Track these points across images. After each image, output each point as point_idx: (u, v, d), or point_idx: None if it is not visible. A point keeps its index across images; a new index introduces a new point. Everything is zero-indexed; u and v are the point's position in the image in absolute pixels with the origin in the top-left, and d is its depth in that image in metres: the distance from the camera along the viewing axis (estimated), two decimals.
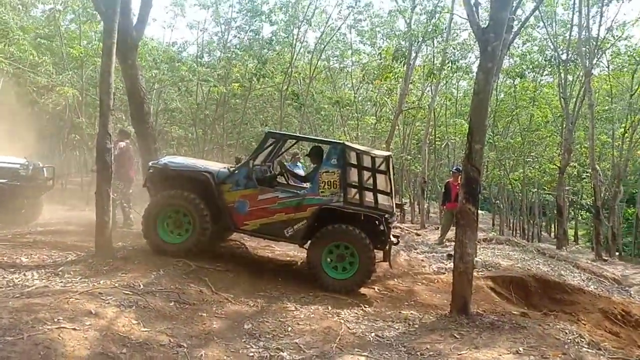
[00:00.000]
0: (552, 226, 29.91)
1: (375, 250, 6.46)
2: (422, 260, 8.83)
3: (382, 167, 6.42)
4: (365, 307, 5.89)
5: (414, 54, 13.71)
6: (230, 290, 5.84)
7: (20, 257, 6.04)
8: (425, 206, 17.98)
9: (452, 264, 8.88)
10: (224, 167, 6.74)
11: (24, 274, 5.43)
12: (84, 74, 17.11)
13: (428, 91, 18.25)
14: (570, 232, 28.22)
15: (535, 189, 25.19)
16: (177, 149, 24.40)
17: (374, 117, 20.85)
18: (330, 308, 5.62)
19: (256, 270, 6.76)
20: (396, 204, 6.85)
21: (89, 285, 5.22)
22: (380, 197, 6.42)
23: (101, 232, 6.11)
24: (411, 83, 15.77)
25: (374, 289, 6.79)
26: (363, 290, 6.49)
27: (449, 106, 21.98)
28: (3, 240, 6.92)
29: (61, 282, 5.33)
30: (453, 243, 11.33)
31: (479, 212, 11.51)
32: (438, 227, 14.53)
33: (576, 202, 28.68)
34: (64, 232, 7.88)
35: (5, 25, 12.46)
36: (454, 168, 11.72)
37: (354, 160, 6.43)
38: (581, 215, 33.40)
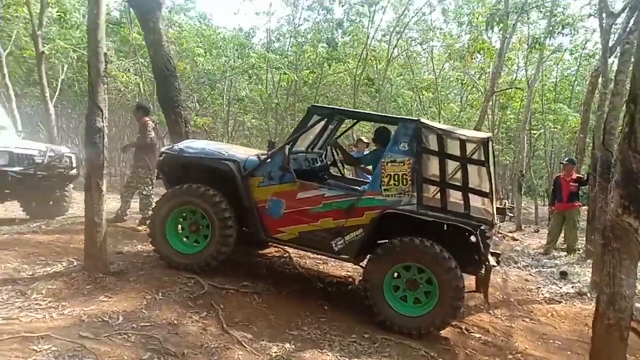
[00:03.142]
0: None
1: (464, 275, 4.33)
2: (527, 281, 6.46)
3: (477, 156, 4.23)
4: None
5: (511, 23, 11.05)
6: (249, 325, 4.01)
7: None
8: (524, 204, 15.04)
9: (567, 286, 6.48)
10: (255, 155, 4.91)
11: None
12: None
13: (524, 69, 15.26)
14: None
15: None
16: (250, 140, 23.27)
17: (459, 104, 18.05)
18: None
19: (297, 292, 4.87)
20: (498, 208, 4.63)
21: (46, 315, 3.64)
22: (473, 199, 4.26)
23: (91, 238, 4.53)
24: (507, 60, 13.06)
25: (459, 328, 4.63)
26: (444, 332, 4.37)
27: (547, 90, 18.60)
28: None
29: (18, 307, 3.79)
30: (563, 253, 8.87)
31: None
32: (538, 230, 11.79)
33: None
34: (79, 230, 6.51)
35: (63, 8, 11.68)
36: (566, 159, 9.02)
37: (434, 145, 4.31)
38: None
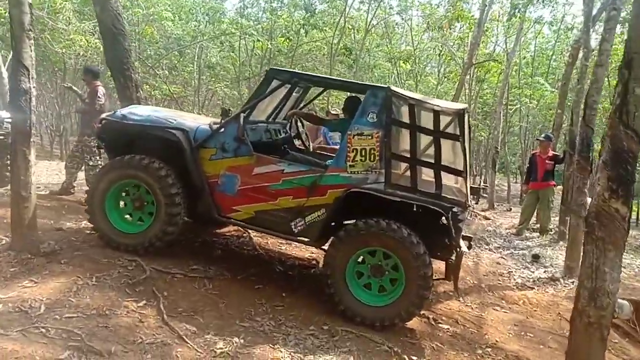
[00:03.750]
0: None
1: (433, 260, 3.95)
2: (498, 264, 6.18)
3: (452, 129, 3.80)
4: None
5: None
6: (195, 316, 3.56)
7: None
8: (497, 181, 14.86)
9: (539, 270, 6.24)
10: (207, 124, 4.36)
11: None
12: None
13: (504, 42, 14.83)
14: None
15: None
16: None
17: (436, 77, 17.59)
18: None
19: (254, 276, 4.43)
20: (472, 187, 4.23)
21: None
22: (446, 177, 3.84)
23: (18, 214, 3.97)
24: (486, 31, 12.59)
25: (427, 318, 4.28)
26: (410, 322, 4.01)
27: (525, 64, 18.26)
28: None
29: None
30: (535, 234, 8.65)
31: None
32: (511, 209, 11.61)
33: None
34: None
35: None
36: (543, 135, 8.68)
37: (405, 117, 3.85)
38: None
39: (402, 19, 17.55)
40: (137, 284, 3.75)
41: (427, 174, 3.88)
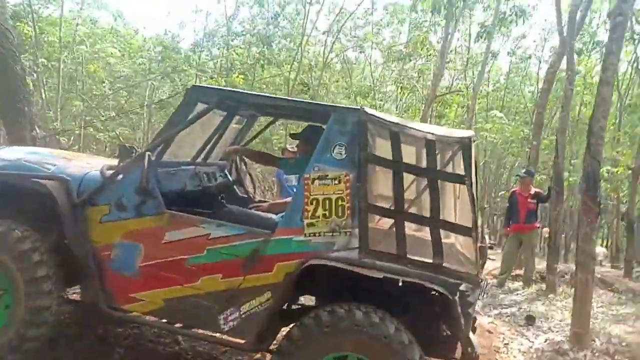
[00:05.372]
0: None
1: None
2: (490, 332, 4.88)
3: (454, 167, 2.55)
4: None
5: (453, 22, 9.76)
6: None
7: None
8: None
9: (539, 339, 5.00)
10: (100, 169, 2.93)
11: None
12: None
13: (462, 74, 14.18)
14: None
15: None
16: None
17: (395, 111, 16.73)
18: None
19: None
20: (481, 246, 2.94)
21: None
22: (448, 238, 2.56)
23: None
24: (448, 62, 11.81)
25: None
26: None
27: (480, 96, 17.72)
28: None
29: None
30: (517, 284, 7.43)
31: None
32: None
33: None
34: None
35: None
36: (524, 170, 7.58)
37: (386, 151, 2.56)
38: None
39: (362, 52, 16.73)
40: None
41: (421, 235, 2.58)
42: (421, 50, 9.97)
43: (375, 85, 16.10)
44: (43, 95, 13.10)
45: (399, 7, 14.43)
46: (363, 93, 15.84)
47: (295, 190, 5.90)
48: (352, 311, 2.39)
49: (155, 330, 3.50)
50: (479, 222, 2.76)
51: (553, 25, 14.18)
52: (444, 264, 2.46)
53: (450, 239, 2.56)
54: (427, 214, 2.52)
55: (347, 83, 17.17)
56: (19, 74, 4.53)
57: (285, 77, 16.70)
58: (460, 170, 2.53)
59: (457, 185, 2.58)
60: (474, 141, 2.62)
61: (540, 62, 16.94)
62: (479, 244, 2.62)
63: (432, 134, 2.56)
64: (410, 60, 12.42)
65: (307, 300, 3.34)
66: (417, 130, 2.60)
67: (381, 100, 17.80)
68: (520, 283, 7.20)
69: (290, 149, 6.31)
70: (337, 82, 17.65)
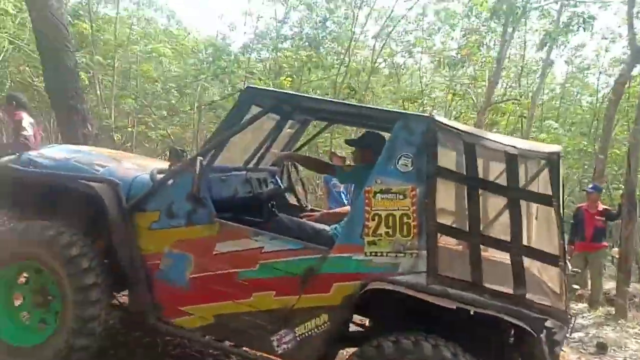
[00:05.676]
0: None
1: None
2: None
3: (540, 186, 2.24)
4: None
5: (511, 29, 9.24)
6: None
7: None
8: None
9: None
10: (150, 172, 2.80)
11: None
12: None
13: (516, 82, 13.47)
14: None
15: None
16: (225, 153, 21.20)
17: (445, 115, 16.21)
18: None
19: None
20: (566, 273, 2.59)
21: None
22: (532, 266, 2.25)
23: None
24: (503, 69, 11.24)
25: None
26: None
27: (543, 104, 16.83)
28: None
29: None
30: (582, 305, 6.88)
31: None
32: None
33: None
34: None
35: None
36: (590, 186, 7.01)
37: (459, 165, 2.29)
38: None
39: (411, 57, 16.30)
40: None
41: (499, 261, 2.28)
42: (476, 56, 9.50)
43: (425, 91, 15.63)
44: (98, 92, 13.43)
45: (451, 12, 13.93)
46: (411, 98, 15.40)
47: (343, 195, 5.75)
48: (420, 344, 2.12)
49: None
50: (567, 250, 2.42)
51: (615, 34, 13.35)
52: (526, 296, 2.15)
53: (537, 270, 2.25)
54: (506, 237, 2.22)
55: (395, 88, 16.79)
56: (71, 70, 4.52)
57: (332, 81, 16.56)
58: (546, 190, 2.22)
59: (535, 205, 2.27)
60: (560, 157, 2.30)
61: (600, 72, 15.92)
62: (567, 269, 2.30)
63: (514, 147, 2.26)
64: (463, 67, 11.91)
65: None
66: (496, 142, 2.31)
67: (431, 106, 17.35)
68: (585, 304, 6.65)
69: (339, 154, 6.09)
70: (384, 86, 17.31)
